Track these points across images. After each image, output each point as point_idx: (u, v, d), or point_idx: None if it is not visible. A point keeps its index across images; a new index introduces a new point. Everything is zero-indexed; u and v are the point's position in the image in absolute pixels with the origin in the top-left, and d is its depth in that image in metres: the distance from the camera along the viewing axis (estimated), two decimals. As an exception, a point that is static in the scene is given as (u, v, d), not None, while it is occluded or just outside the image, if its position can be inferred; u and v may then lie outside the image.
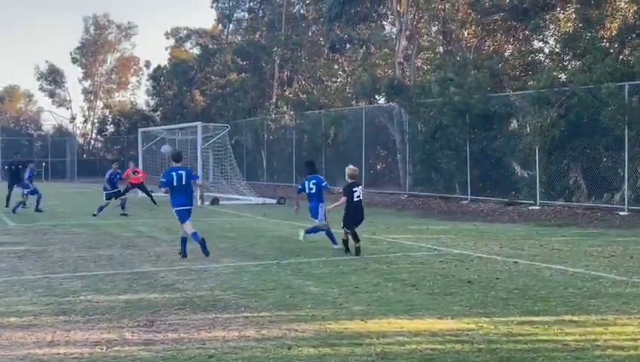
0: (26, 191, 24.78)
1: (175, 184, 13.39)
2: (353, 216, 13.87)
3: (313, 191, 15.01)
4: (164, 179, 13.52)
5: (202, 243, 13.28)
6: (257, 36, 52.17)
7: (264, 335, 7.63)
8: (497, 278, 11.05)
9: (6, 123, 71.35)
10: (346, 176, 14.19)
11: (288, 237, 17.01)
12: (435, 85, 28.95)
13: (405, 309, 8.89)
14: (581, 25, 27.26)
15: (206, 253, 13.25)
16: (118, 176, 24.22)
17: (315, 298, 9.65)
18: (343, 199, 13.81)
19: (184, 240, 13.58)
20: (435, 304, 9.19)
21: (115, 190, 23.79)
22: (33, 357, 6.76)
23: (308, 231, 14.86)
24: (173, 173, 13.43)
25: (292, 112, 41.68)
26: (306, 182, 15.19)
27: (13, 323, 8.20)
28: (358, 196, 14.10)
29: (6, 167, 28.13)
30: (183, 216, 13.53)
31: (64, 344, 7.26)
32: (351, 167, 14.36)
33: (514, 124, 26.42)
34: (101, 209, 23.16)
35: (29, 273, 11.78)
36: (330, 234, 14.76)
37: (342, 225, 13.90)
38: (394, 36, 36.15)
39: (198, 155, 31.07)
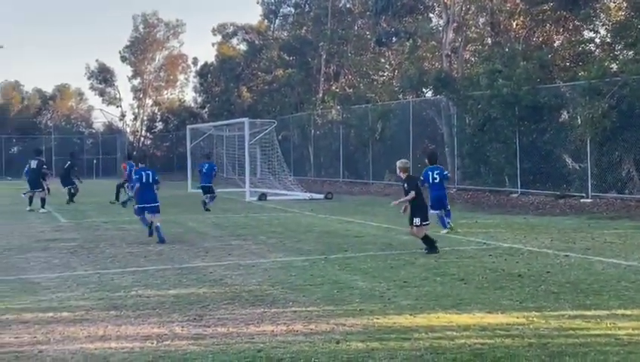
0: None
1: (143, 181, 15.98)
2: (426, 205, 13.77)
3: (437, 180, 16.19)
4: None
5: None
6: (303, 31, 52.18)
7: (312, 329, 7.64)
8: (548, 272, 10.89)
9: (58, 121, 72.68)
10: (399, 171, 13.75)
11: (336, 232, 17.00)
12: (484, 77, 28.60)
13: (454, 303, 8.81)
14: (632, 13, 26.65)
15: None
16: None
17: (362, 292, 9.63)
18: (412, 194, 13.14)
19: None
20: (484, 298, 9.09)
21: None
22: (85, 352, 6.86)
23: (445, 224, 16.32)
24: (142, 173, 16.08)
25: (339, 107, 41.62)
26: (429, 172, 16.33)
27: (66, 317, 8.34)
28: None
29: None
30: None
31: (115, 338, 7.36)
32: (402, 160, 14.09)
33: (564, 116, 26.00)
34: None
35: (81, 268, 11.97)
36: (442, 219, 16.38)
37: (418, 222, 13.08)
38: (441, 28, 35.81)
39: (245, 152, 31.23)
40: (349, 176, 39.66)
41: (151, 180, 16.01)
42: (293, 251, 13.87)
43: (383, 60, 47.11)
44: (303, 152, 45.97)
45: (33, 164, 24.69)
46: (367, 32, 46.27)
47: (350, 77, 48.42)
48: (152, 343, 7.14)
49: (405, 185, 13.44)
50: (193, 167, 36.75)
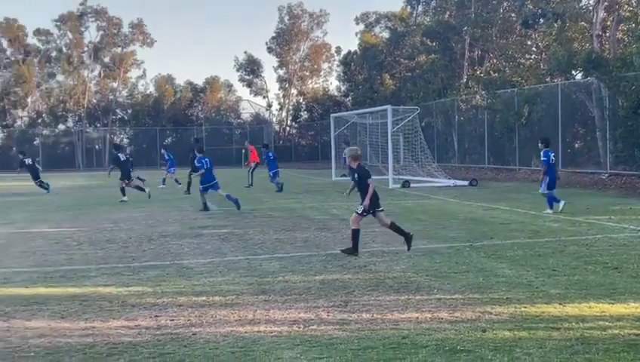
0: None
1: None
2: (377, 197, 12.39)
3: (553, 162, 17.48)
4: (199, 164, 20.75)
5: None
6: (447, 16, 51.49)
7: (457, 317, 7.57)
8: None
9: (208, 113, 75.42)
10: (349, 160, 12.82)
11: (481, 219, 16.73)
12: (638, 57, 27.20)
13: (607, 293, 8.47)
14: None
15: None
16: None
17: (509, 281, 9.43)
18: (373, 184, 11.99)
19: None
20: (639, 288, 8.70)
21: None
22: (236, 335, 7.10)
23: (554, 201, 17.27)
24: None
25: (483, 92, 40.79)
26: (550, 154, 17.51)
27: (218, 301, 8.66)
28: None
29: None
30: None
31: (264, 322, 7.58)
32: (352, 148, 13.05)
33: None
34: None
35: (231, 254, 12.39)
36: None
37: (360, 210, 11.98)
38: (591, 8, 34.36)
39: (388, 139, 31.22)
40: (494, 163, 38.86)
41: (210, 165, 20.47)
42: (437, 238, 13.77)
43: (529, 43, 45.76)
44: (446, 139, 45.45)
45: (122, 157, 25.02)
46: (513, 14, 45.07)
47: (495, 61, 47.34)
48: (299, 327, 7.30)
49: (356, 175, 12.26)
50: (337, 155, 37.18)
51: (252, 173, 31.56)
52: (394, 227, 12.28)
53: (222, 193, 20.81)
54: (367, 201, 11.85)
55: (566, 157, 32.43)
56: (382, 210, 12.21)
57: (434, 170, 33.25)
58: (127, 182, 24.62)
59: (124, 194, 24.24)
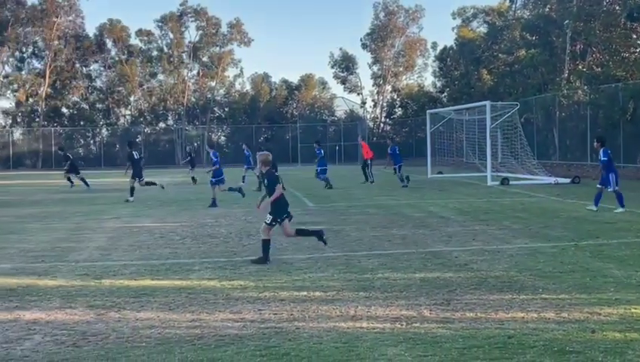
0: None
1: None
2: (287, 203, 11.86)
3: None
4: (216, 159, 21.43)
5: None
6: (547, 9, 50.25)
7: (564, 317, 7.39)
8: None
9: (303, 110, 76.04)
10: (260, 165, 12.37)
11: (585, 218, 16.28)
12: None
13: None
14: None
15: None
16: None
17: (618, 281, 9.15)
18: (280, 190, 11.38)
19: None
20: None
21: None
22: (339, 330, 7.14)
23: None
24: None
25: (585, 87, 39.64)
26: (609, 151, 17.70)
27: (319, 297, 8.73)
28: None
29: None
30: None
31: (366, 318, 7.58)
32: (263, 152, 12.20)
33: None
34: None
35: (329, 250, 12.44)
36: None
37: (269, 220, 11.33)
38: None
39: (486, 135, 30.74)
40: (597, 160, 37.68)
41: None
42: (539, 237, 13.47)
43: (634, 36, 44.15)
44: (547, 135, 44.38)
45: (136, 155, 24.83)
46: (617, 7, 43.56)
47: (598, 55, 45.90)
48: (402, 325, 7.28)
49: (265, 180, 11.75)
50: (433, 152, 36.89)
51: (370, 169, 31.11)
52: (301, 232, 11.89)
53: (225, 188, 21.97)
54: (264, 204, 11.64)
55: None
56: (288, 218, 11.56)
57: (534, 167, 32.55)
58: (138, 181, 24.18)
59: (131, 195, 23.84)
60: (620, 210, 17.18)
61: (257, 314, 7.83)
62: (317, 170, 29.55)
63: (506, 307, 7.93)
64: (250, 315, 7.81)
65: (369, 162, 31.16)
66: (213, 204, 20.94)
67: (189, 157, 36.20)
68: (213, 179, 21.48)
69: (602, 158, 17.52)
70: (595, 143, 18.43)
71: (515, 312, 7.68)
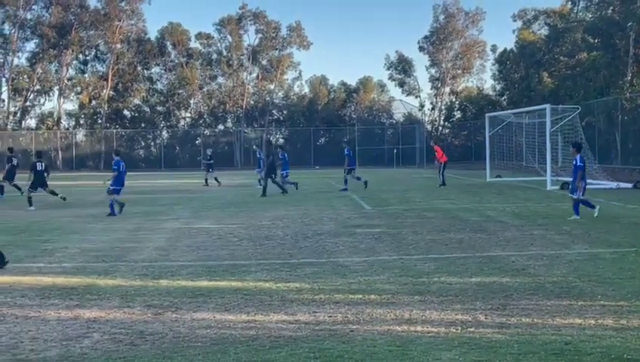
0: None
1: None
2: None
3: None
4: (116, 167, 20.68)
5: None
6: (610, 11, 49.26)
7: (623, 325, 7.24)
8: None
9: (361, 113, 76.03)
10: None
11: (647, 224, 15.91)
12: None
13: None
14: None
15: None
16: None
17: (680, 289, 8.93)
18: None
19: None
20: None
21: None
22: (393, 333, 7.13)
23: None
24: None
25: (649, 90, 38.74)
26: (585, 159, 17.99)
27: (374, 300, 8.72)
28: None
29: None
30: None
31: (421, 322, 7.55)
32: None
33: None
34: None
35: (385, 253, 12.43)
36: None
37: None
38: None
39: (546, 139, 30.27)
40: (660, 165, 36.80)
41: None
42: (599, 242, 13.22)
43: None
44: (608, 139, 43.48)
45: (39, 166, 23.39)
46: (683, 8, 42.52)
47: (663, 57, 44.82)
48: (457, 329, 7.23)
49: None
50: (492, 156, 36.49)
51: (442, 172, 31.43)
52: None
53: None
54: None
55: None
56: None
57: (595, 171, 31.92)
58: (31, 191, 22.95)
59: (30, 204, 22.65)
60: (575, 217, 17.05)
61: (312, 317, 7.87)
62: (282, 173, 28.66)
63: (563, 313, 7.81)
64: (305, 317, 7.85)
65: (444, 165, 31.65)
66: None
67: (209, 160, 36.29)
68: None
69: (579, 164, 17.20)
70: (572, 149, 18.33)
71: (573, 318, 7.56)
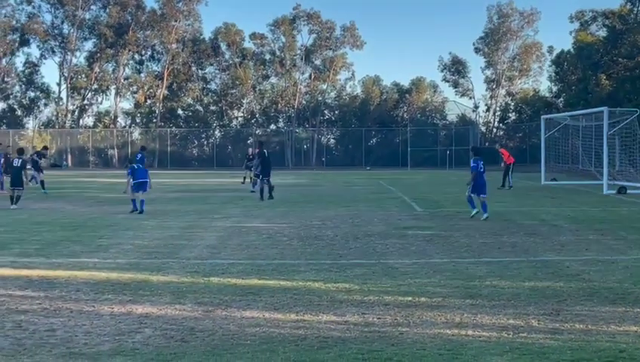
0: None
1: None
2: None
3: (482, 170, 18.70)
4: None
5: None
6: (671, 12, 48.16)
7: (682, 334, 7.04)
8: None
9: (414, 114, 75.65)
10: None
11: None
12: None
13: None
14: None
15: None
16: None
17: None
18: None
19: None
20: None
21: None
22: (443, 337, 7.05)
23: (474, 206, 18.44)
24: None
25: None
26: (479, 163, 18.63)
27: (424, 302, 8.64)
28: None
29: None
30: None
31: (472, 326, 7.45)
32: None
33: None
34: None
35: (436, 256, 12.32)
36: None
37: None
38: None
39: (603, 142, 29.70)
40: None
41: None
42: (658, 249, 12.91)
43: None
44: (668, 143, 42.43)
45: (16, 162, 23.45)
46: None
47: None
48: (509, 334, 7.12)
49: None
50: (547, 158, 35.95)
51: (509, 175, 31.27)
52: None
53: None
54: None
55: None
56: None
57: (654, 175, 31.20)
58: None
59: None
60: (474, 211, 18.47)
61: (361, 318, 7.83)
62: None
63: (618, 320, 7.63)
64: (354, 318, 7.81)
65: (511, 167, 31.53)
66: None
67: (251, 159, 34.30)
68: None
69: (472, 165, 18.88)
70: (471, 153, 20.59)
71: (628, 326, 7.38)
